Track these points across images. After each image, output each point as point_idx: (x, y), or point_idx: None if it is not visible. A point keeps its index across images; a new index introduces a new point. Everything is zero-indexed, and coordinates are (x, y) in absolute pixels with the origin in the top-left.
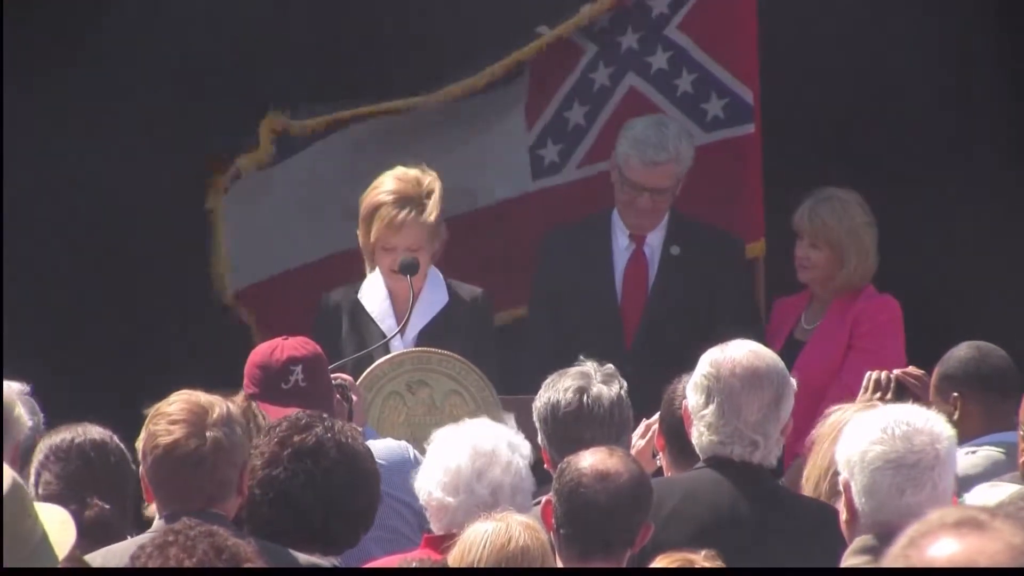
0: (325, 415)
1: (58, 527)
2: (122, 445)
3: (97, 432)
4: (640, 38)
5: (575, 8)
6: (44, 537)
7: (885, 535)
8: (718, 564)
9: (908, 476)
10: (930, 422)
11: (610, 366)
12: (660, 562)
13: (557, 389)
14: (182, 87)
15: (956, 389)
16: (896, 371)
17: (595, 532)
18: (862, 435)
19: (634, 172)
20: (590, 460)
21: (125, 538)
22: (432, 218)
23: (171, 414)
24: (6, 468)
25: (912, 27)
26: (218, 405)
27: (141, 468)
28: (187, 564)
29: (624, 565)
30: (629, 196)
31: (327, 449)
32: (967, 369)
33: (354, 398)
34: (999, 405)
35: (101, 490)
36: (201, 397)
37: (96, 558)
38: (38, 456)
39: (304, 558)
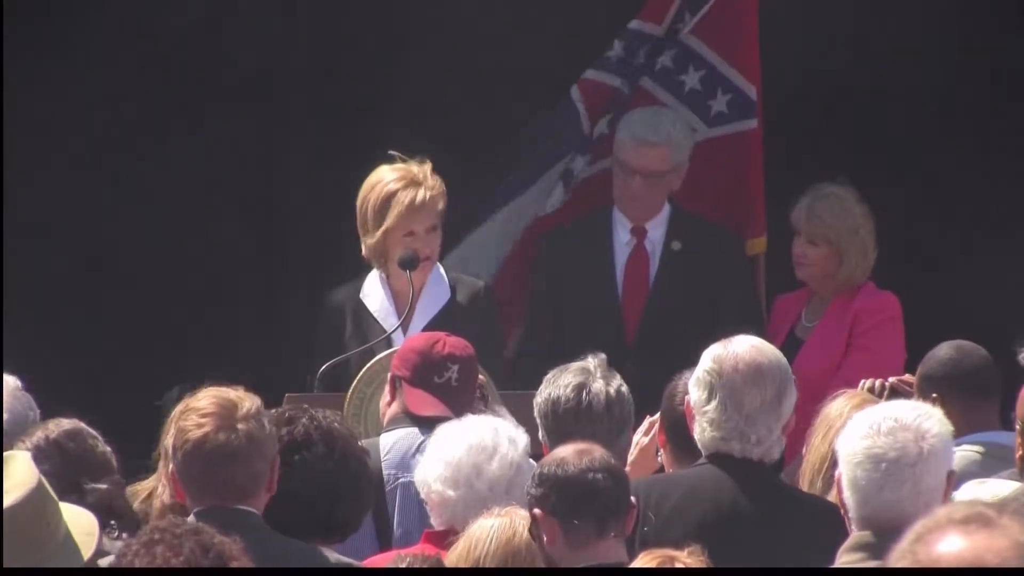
0: (305, 405)
1: (82, 538)
2: (92, 431)
3: (67, 422)
4: (651, 47)
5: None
6: (65, 542)
7: (883, 532)
8: (702, 561)
9: (888, 472)
10: (920, 419)
11: (602, 358)
12: (642, 559)
13: (558, 385)
14: (185, 80)
15: (935, 390)
16: (891, 379)
17: (591, 503)
18: (853, 430)
19: (627, 154)
20: (564, 448)
21: (131, 513)
22: (442, 199)
23: (201, 408)
24: (32, 472)
25: (914, 24)
26: (247, 399)
27: (171, 466)
28: (174, 563)
29: (623, 546)
30: (623, 181)
31: (315, 439)
32: (946, 369)
33: (489, 398)
34: (978, 405)
35: (92, 474)
36: (230, 392)
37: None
38: None
39: (334, 557)
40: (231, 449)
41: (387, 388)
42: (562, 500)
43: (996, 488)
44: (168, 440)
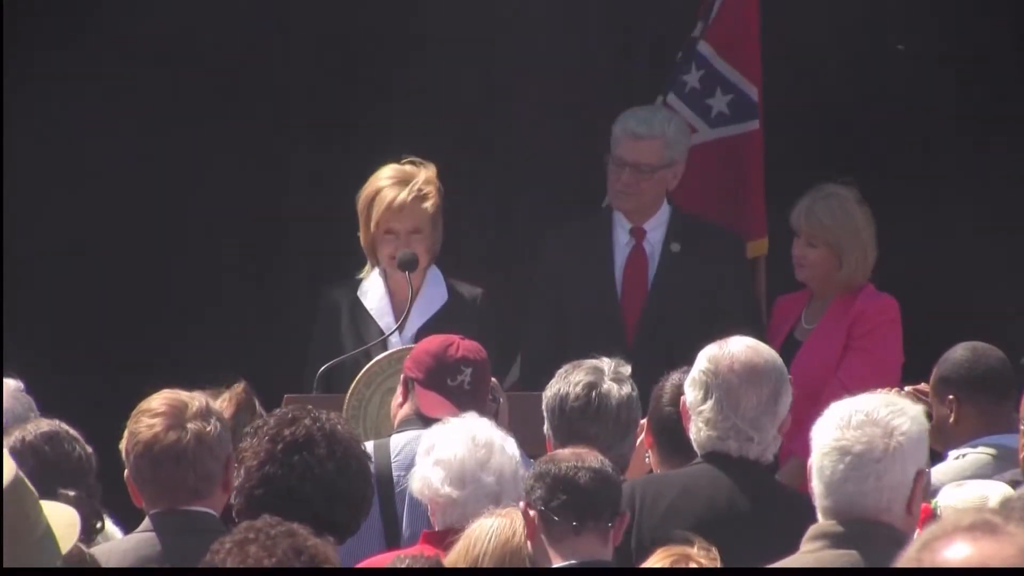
0: (309, 406)
1: (63, 530)
2: (73, 432)
3: (46, 424)
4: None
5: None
6: (45, 536)
7: (847, 522)
8: (712, 555)
9: (852, 465)
10: (892, 415)
11: (627, 367)
12: (657, 556)
13: (568, 382)
14: (184, 78)
15: (952, 392)
16: (908, 388)
17: (583, 495)
18: (827, 420)
19: (619, 147)
20: (562, 452)
21: (97, 522)
22: (430, 203)
23: (151, 410)
24: (11, 466)
25: (914, 26)
26: (197, 399)
27: (126, 471)
28: (266, 563)
29: (609, 541)
30: (615, 175)
31: (317, 440)
32: (962, 371)
33: (501, 400)
34: (995, 407)
35: (65, 480)
36: (181, 393)
37: (100, 553)
38: None
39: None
40: (180, 449)
41: (399, 389)
42: (544, 491)
43: (979, 490)
44: (122, 443)
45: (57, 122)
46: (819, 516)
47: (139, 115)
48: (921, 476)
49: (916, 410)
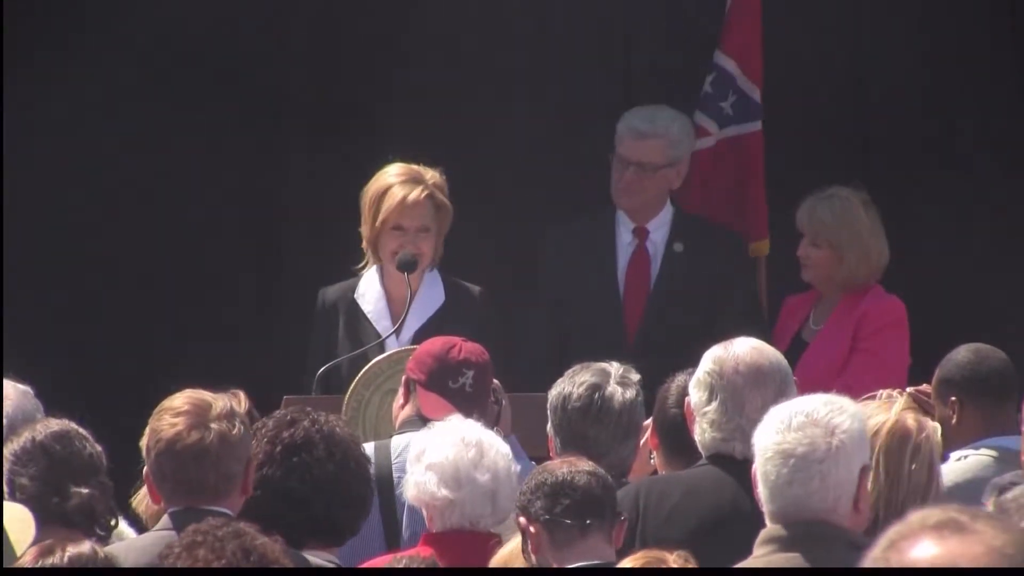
0: (308, 408)
1: (18, 525)
2: (83, 431)
3: (56, 423)
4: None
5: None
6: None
7: (793, 525)
8: (690, 561)
9: (795, 467)
10: (832, 414)
11: (636, 374)
12: (631, 559)
13: (573, 382)
14: (183, 79)
15: (954, 393)
16: (909, 389)
17: (585, 495)
18: (767, 424)
19: (622, 145)
20: (552, 463)
21: (112, 519)
22: (441, 205)
23: (174, 408)
24: None
25: (918, 27)
26: (221, 400)
27: (145, 468)
28: (216, 565)
29: (612, 542)
30: (618, 173)
31: (316, 441)
32: (964, 373)
33: (504, 402)
34: (997, 408)
35: (77, 477)
36: (205, 394)
37: (118, 551)
38: (6, 464)
39: (315, 560)
40: (203, 448)
41: (401, 390)
42: (544, 500)
43: None
44: (143, 441)
45: (57, 122)
46: (767, 521)
47: (139, 115)
48: (866, 472)
49: (856, 407)
